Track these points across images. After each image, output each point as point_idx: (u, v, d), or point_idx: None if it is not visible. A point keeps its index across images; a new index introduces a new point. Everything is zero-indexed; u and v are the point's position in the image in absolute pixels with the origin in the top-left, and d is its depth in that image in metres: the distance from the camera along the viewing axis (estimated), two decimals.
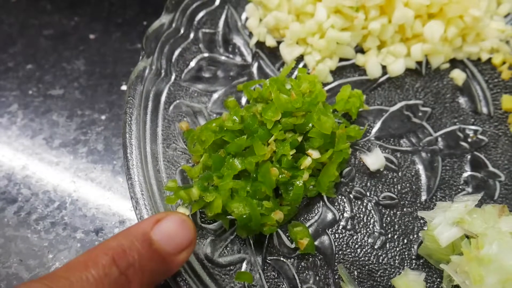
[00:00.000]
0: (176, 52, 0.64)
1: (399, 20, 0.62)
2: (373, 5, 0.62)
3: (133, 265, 0.41)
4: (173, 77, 0.62)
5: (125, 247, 0.41)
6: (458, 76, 0.63)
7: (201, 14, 0.67)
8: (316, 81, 0.59)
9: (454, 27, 0.63)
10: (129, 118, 0.57)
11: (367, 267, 0.52)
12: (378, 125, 0.61)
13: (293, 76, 0.64)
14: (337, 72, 0.64)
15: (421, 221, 0.55)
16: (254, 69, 0.64)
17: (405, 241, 0.54)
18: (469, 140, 0.60)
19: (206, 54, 0.64)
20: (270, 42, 0.65)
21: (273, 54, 0.66)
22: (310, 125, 0.54)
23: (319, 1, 0.64)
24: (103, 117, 0.64)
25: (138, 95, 0.58)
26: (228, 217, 0.52)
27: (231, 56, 0.65)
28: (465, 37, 0.65)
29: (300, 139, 0.54)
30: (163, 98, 0.60)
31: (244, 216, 0.50)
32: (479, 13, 0.62)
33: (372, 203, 0.56)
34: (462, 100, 0.63)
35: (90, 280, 0.38)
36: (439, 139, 0.60)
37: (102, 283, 0.39)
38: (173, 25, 0.65)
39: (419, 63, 0.65)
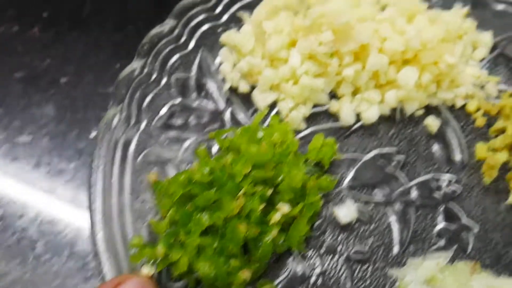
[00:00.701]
0: (148, 99, 0.62)
1: (373, 66, 0.62)
2: (347, 51, 0.61)
3: None
4: (143, 125, 0.61)
5: None
6: (432, 123, 0.63)
7: (174, 58, 0.66)
8: (288, 130, 0.58)
9: (428, 73, 0.63)
10: (95, 170, 0.55)
11: None
12: (351, 175, 0.60)
13: (266, 123, 0.63)
14: (310, 119, 0.64)
15: (394, 276, 0.54)
16: (227, 115, 0.63)
17: None
18: (443, 190, 0.59)
19: (178, 100, 0.63)
20: (243, 88, 0.64)
21: (247, 99, 0.64)
22: (281, 177, 0.53)
23: (293, 46, 0.64)
24: (71, 166, 0.63)
25: (105, 145, 0.57)
26: (195, 275, 0.51)
27: (203, 102, 0.64)
28: (439, 83, 0.64)
29: (269, 192, 0.53)
30: (132, 147, 0.59)
31: (210, 276, 0.49)
32: (454, 60, 0.62)
33: (343, 258, 0.55)
34: (436, 147, 0.62)
35: None
36: (413, 189, 0.59)
37: None
38: (145, 70, 0.64)
39: (393, 109, 0.64)
